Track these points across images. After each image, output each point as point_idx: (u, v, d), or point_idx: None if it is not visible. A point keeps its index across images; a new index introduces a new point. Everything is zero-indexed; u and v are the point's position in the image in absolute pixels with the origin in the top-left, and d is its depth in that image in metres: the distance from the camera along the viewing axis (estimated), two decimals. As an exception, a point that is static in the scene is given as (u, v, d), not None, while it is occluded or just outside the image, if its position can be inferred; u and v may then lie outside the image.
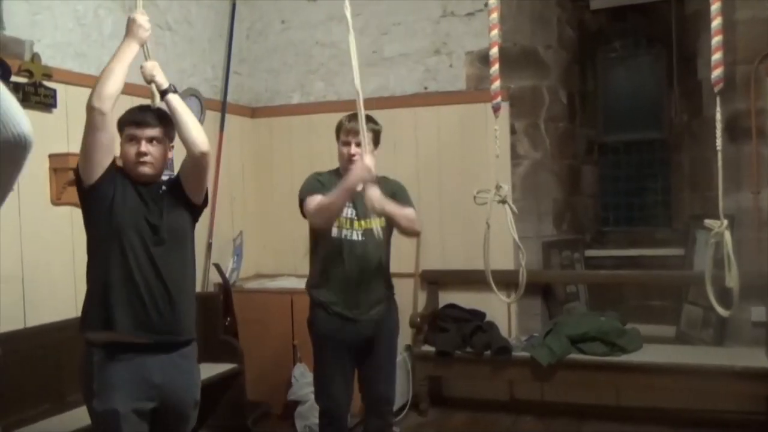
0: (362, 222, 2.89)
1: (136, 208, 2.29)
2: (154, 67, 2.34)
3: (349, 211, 2.89)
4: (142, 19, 2.30)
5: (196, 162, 2.35)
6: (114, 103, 2.21)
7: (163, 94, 2.32)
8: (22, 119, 1.56)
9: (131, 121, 2.33)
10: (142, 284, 2.25)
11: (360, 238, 2.89)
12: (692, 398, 3.95)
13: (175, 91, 2.35)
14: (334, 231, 2.88)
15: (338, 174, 2.97)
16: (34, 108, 3.19)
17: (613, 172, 5.15)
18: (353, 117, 2.84)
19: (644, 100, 5.05)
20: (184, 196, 2.39)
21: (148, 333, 2.26)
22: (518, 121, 4.52)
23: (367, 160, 2.64)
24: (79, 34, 3.52)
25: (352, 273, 2.86)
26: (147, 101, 2.40)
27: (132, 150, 2.31)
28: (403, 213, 2.86)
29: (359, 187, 2.66)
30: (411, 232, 3.00)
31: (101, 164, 2.26)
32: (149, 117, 2.33)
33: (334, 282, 2.89)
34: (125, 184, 2.31)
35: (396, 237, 3.05)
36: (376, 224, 2.86)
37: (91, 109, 2.18)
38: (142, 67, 2.33)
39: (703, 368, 3.74)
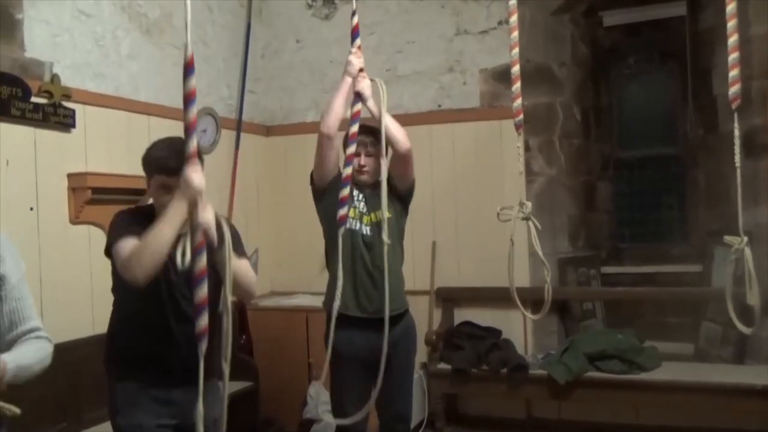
0: (371, 216, 2.93)
1: (172, 279, 2.27)
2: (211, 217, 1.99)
3: (360, 205, 2.92)
4: (194, 175, 1.93)
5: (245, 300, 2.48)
6: None
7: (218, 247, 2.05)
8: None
9: (163, 168, 2.19)
10: (167, 330, 2.27)
11: (368, 232, 2.92)
12: (712, 417, 3.90)
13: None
14: (348, 221, 2.87)
15: None
16: (53, 128, 3.23)
17: (629, 188, 5.12)
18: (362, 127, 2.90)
19: (659, 116, 5.03)
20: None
21: (175, 373, 2.27)
22: (533, 138, 4.52)
23: (351, 56, 2.77)
24: (98, 54, 3.57)
25: (364, 266, 2.89)
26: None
27: (167, 199, 2.14)
28: (389, 117, 2.85)
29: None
30: (398, 141, 2.88)
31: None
32: (181, 162, 2.18)
33: (346, 277, 2.87)
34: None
35: (410, 254, 3.05)
36: (384, 215, 2.88)
37: (135, 280, 2.08)
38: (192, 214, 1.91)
39: (724, 386, 3.69)
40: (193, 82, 1.67)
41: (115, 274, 2.30)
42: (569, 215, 4.67)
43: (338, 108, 2.84)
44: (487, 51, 4.52)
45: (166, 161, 2.17)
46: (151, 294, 2.23)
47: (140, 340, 2.28)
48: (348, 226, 2.88)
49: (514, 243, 2.22)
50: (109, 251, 2.25)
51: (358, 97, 2.75)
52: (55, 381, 3.06)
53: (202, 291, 1.76)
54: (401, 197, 3.02)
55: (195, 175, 1.86)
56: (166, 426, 2.30)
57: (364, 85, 2.78)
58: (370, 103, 2.80)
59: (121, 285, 2.28)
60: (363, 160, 2.92)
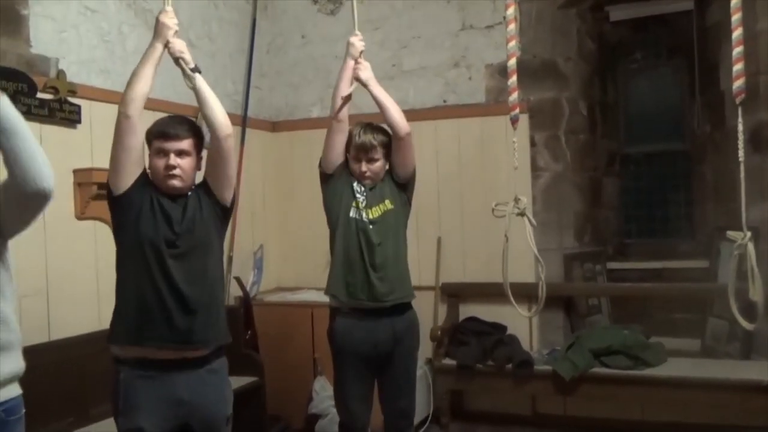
0: (371, 210, 2.93)
1: (160, 220, 2.26)
2: (183, 45, 2.31)
3: (360, 198, 2.92)
4: (167, 19, 2.28)
5: (220, 146, 2.33)
6: (141, 106, 2.21)
7: (192, 71, 2.30)
8: (47, 174, 1.69)
9: (160, 133, 2.29)
10: (156, 297, 2.23)
11: (370, 225, 2.91)
12: (718, 413, 3.89)
13: (199, 71, 2.34)
14: (352, 211, 2.91)
15: None
16: (59, 124, 3.25)
17: (635, 183, 5.10)
18: (366, 129, 2.92)
19: (666, 111, 5.01)
20: (212, 196, 2.36)
21: (169, 346, 2.24)
22: (538, 133, 4.51)
23: (352, 38, 2.90)
24: (104, 50, 3.58)
25: (367, 257, 2.87)
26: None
27: (161, 163, 2.27)
28: (390, 99, 2.94)
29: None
30: (398, 124, 2.89)
31: (130, 173, 2.25)
32: (179, 129, 2.29)
33: (349, 267, 2.89)
34: (154, 195, 2.28)
35: (415, 250, 3.05)
36: (384, 208, 2.90)
37: (118, 113, 2.20)
38: (169, 45, 2.27)
39: (730, 382, 3.68)
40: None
41: (116, 236, 2.34)
42: (575, 211, 4.66)
43: (342, 91, 2.90)
44: (493, 46, 4.51)
45: (164, 127, 2.31)
46: (145, 262, 2.24)
47: (133, 309, 2.24)
48: (352, 214, 2.91)
49: (508, 239, 2.21)
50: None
51: (358, 81, 2.88)
52: (61, 376, 3.09)
53: None
54: (403, 186, 3.01)
55: (166, 17, 2.26)
56: (171, 430, 2.26)
57: (366, 70, 2.89)
58: (374, 89, 2.91)
59: (122, 230, 2.31)
60: (364, 166, 2.92)
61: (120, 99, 2.22)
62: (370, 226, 2.90)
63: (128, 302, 2.26)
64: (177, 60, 2.30)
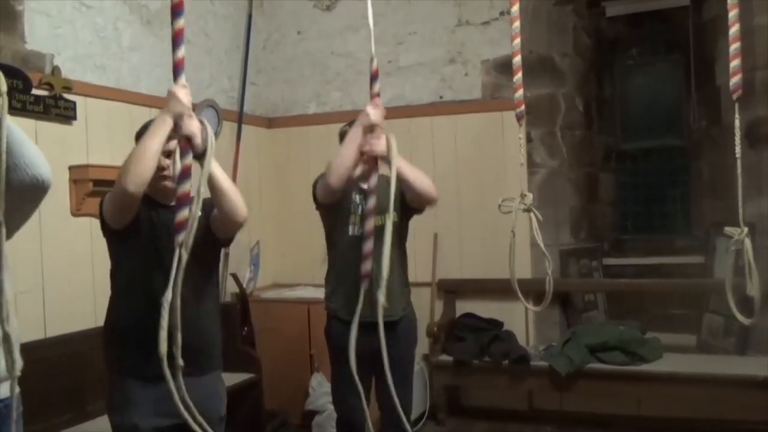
0: (374, 219, 2.89)
1: (161, 241, 2.18)
2: (197, 127, 1.93)
3: (360, 208, 2.89)
4: (180, 92, 1.98)
5: (234, 228, 2.34)
6: (146, 183, 2.04)
7: (200, 156, 1.92)
8: (41, 163, 1.59)
9: None
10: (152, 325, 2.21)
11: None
12: (714, 408, 3.90)
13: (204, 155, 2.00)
14: (349, 228, 2.89)
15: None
16: (54, 120, 3.23)
17: (632, 179, 5.10)
18: None
19: (662, 107, 5.01)
20: (212, 236, 2.35)
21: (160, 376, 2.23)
22: (534, 130, 4.51)
23: (369, 108, 2.49)
24: (99, 46, 3.56)
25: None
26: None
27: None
28: (416, 171, 2.75)
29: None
30: (424, 195, 2.82)
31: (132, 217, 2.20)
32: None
33: (347, 281, 2.87)
34: (149, 212, 2.26)
35: (412, 246, 3.04)
36: (388, 220, 2.86)
37: (124, 192, 2.03)
38: (179, 125, 1.93)
39: (726, 378, 3.69)
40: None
41: (112, 251, 2.31)
42: (571, 207, 4.66)
43: (350, 162, 2.67)
44: (489, 42, 4.50)
45: None
46: (145, 264, 2.22)
47: (133, 324, 2.22)
48: (351, 233, 2.88)
49: (515, 234, 2.21)
50: (101, 208, 2.25)
51: (379, 158, 2.49)
52: (58, 372, 3.09)
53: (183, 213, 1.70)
54: (412, 208, 2.98)
55: (182, 91, 1.94)
56: (165, 427, 2.22)
57: (379, 145, 2.44)
58: (393, 164, 2.55)
59: (117, 251, 2.29)
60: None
61: (128, 177, 2.01)
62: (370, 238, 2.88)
63: (122, 330, 2.30)
64: (185, 140, 1.93)
